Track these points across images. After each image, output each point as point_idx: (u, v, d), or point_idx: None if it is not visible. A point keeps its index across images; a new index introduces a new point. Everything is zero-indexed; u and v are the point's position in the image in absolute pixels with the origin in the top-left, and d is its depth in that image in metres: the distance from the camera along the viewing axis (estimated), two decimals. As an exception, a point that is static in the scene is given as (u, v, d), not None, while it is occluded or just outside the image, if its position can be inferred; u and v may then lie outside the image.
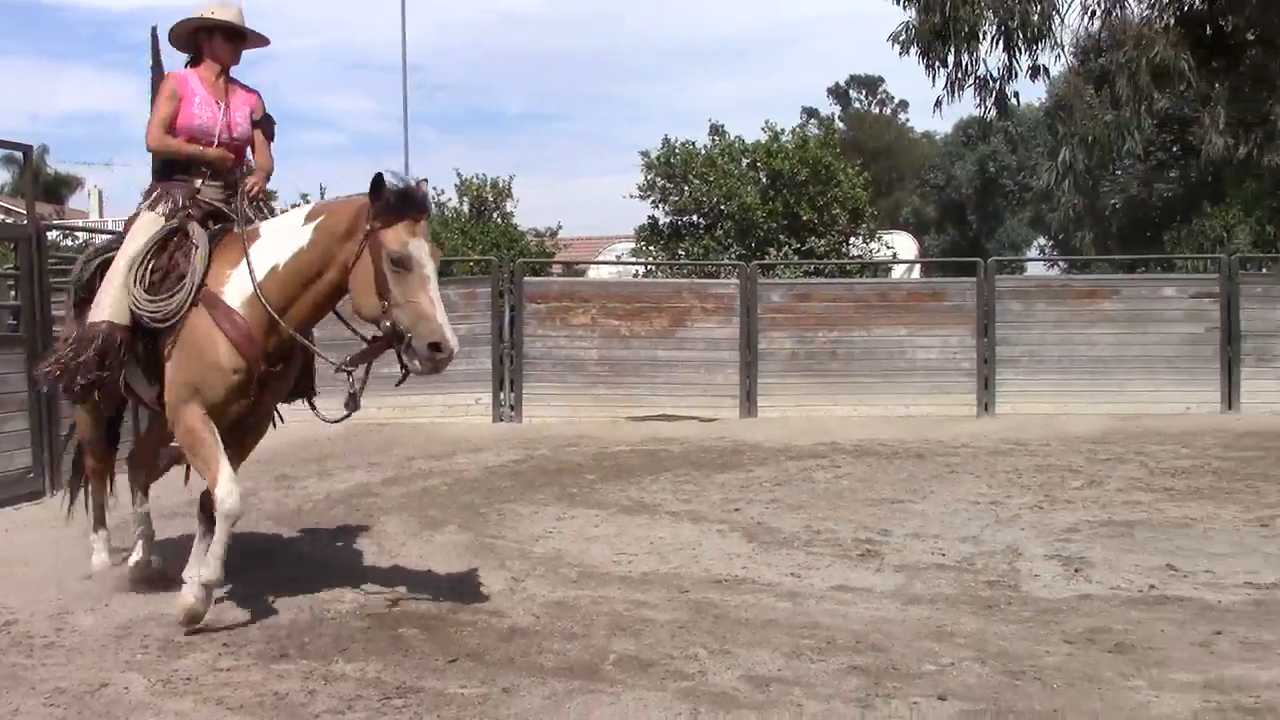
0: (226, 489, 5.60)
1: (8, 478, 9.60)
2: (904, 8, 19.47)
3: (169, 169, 6.35)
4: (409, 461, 11.68)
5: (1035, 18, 18.94)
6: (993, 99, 20.33)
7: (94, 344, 5.85)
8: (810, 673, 5.08)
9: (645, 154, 23.03)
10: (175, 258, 5.94)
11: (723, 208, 22.09)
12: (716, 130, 23.31)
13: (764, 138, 22.76)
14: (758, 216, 21.68)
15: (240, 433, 6.09)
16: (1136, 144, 19.65)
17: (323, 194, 21.37)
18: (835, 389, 15.67)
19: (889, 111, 63.15)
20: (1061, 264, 33.31)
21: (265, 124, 6.51)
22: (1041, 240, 46.44)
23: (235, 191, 6.28)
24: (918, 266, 27.78)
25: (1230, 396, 15.59)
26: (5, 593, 6.39)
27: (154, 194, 6.28)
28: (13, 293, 11.15)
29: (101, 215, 34.57)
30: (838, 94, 62.56)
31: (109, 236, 6.98)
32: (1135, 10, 19.61)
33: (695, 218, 22.91)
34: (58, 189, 44.43)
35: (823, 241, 22.00)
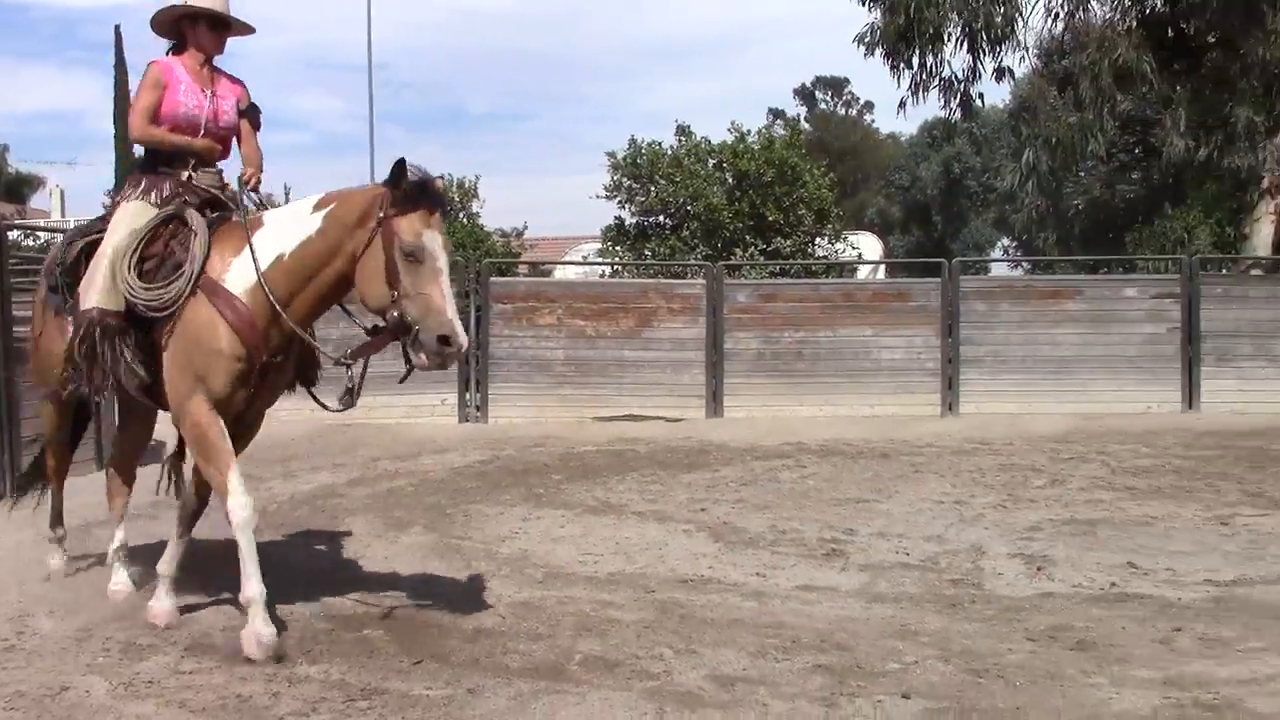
0: (240, 500, 5.38)
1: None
2: (869, 9, 19.58)
3: (153, 160, 6.13)
4: (374, 462, 11.63)
5: (999, 19, 19.06)
6: (957, 100, 20.46)
7: (84, 332, 5.61)
8: (775, 672, 5.09)
9: (611, 154, 23.06)
10: (171, 245, 5.70)
11: (689, 208, 22.13)
12: (683, 131, 23.37)
13: (730, 138, 22.83)
14: (724, 217, 21.73)
15: (238, 429, 5.85)
16: (1099, 146, 19.82)
17: (287, 194, 21.29)
18: (801, 389, 15.72)
19: (854, 112, 63.41)
20: (1025, 265, 33.55)
21: (251, 113, 6.27)
22: (1005, 241, 46.79)
23: (224, 182, 6.14)
24: (883, 267, 27.95)
25: (1191, 396, 15.73)
26: (-36, 596, 6.32)
27: (139, 184, 6.05)
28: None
29: (64, 215, 34.28)
30: (804, 95, 62.80)
31: (89, 220, 6.68)
32: (1098, 13, 19.77)
33: (661, 218, 22.95)
34: (19, 188, 44.08)
35: (788, 242, 22.08)
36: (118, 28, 39.13)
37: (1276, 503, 9.27)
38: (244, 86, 6.31)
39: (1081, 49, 19.29)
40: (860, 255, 25.63)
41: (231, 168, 6.33)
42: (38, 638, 5.61)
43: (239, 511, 5.38)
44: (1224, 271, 19.94)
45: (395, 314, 5.26)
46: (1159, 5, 19.59)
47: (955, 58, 19.84)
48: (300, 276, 5.51)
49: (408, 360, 5.40)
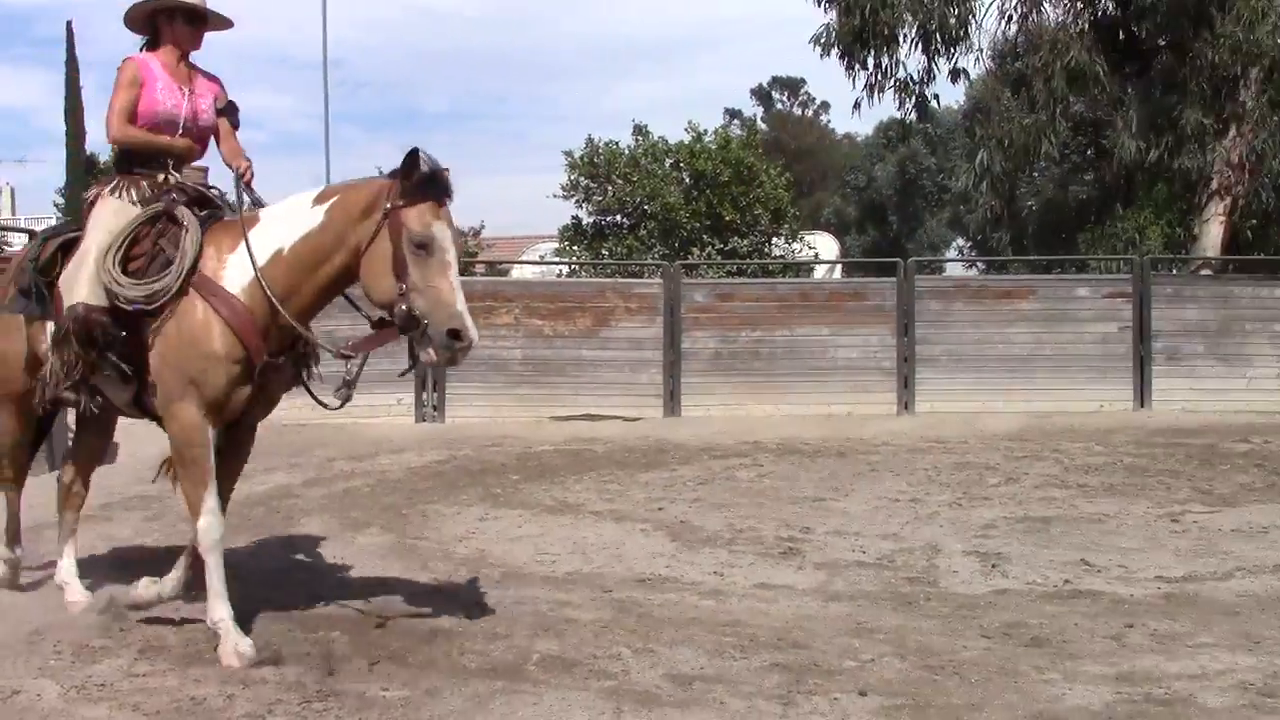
0: (209, 521, 5.25)
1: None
2: (825, 10, 19.66)
3: (128, 161, 5.84)
4: (330, 463, 11.56)
5: (952, 21, 19.21)
6: (913, 101, 20.59)
7: (72, 330, 5.32)
8: (733, 670, 5.11)
9: (569, 154, 23.04)
10: (160, 243, 5.46)
11: (646, 208, 22.15)
12: (640, 130, 23.38)
13: (687, 138, 22.87)
14: (681, 217, 21.76)
15: (238, 433, 5.69)
16: (1052, 147, 19.98)
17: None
18: (758, 388, 15.76)
19: (811, 113, 63.70)
20: (980, 264, 33.79)
21: (230, 112, 6.01)
22: (960, 241, 47.05)
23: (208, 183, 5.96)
24: (839, 267, 28.06)
25: (1142, 395, 15.91)
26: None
27: (115, 182, 5.78)
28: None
29: (14, 213, 33.79)
30: (760, 95, 63.02)
31: (57, 222, 6.43)
32: (1051, 15, 19.97)
33: (619, 218, 22.96)
34: (-34, 186, 43.38)
35: (745, 242, 22.15)
36: (69, 24, 38.66)
37: (1226, 500, 9.40)
38: (221, 83, 6.06)
39: (1034, 51, 19.47)
40: (817, 255, 25.72)
41: (211, 168, 6.21)
42: (-12, 642, 5.53)
43: (209, 532, 5.27)
44: (1174, 272, 20.17)
45: (403, 307, 5.11)
46: (1110, 8, 19.83)
47: (910, 59, 20.00)
48: (301, 271, 5.32)
49: (413, 355, 5.28)
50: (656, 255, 20.91)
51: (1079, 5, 19.69)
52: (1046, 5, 19.92)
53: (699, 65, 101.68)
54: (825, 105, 62.79)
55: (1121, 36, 19.72)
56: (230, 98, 6.06)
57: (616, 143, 23.14)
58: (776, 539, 8.03)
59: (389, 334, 5.37)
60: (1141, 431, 13.73)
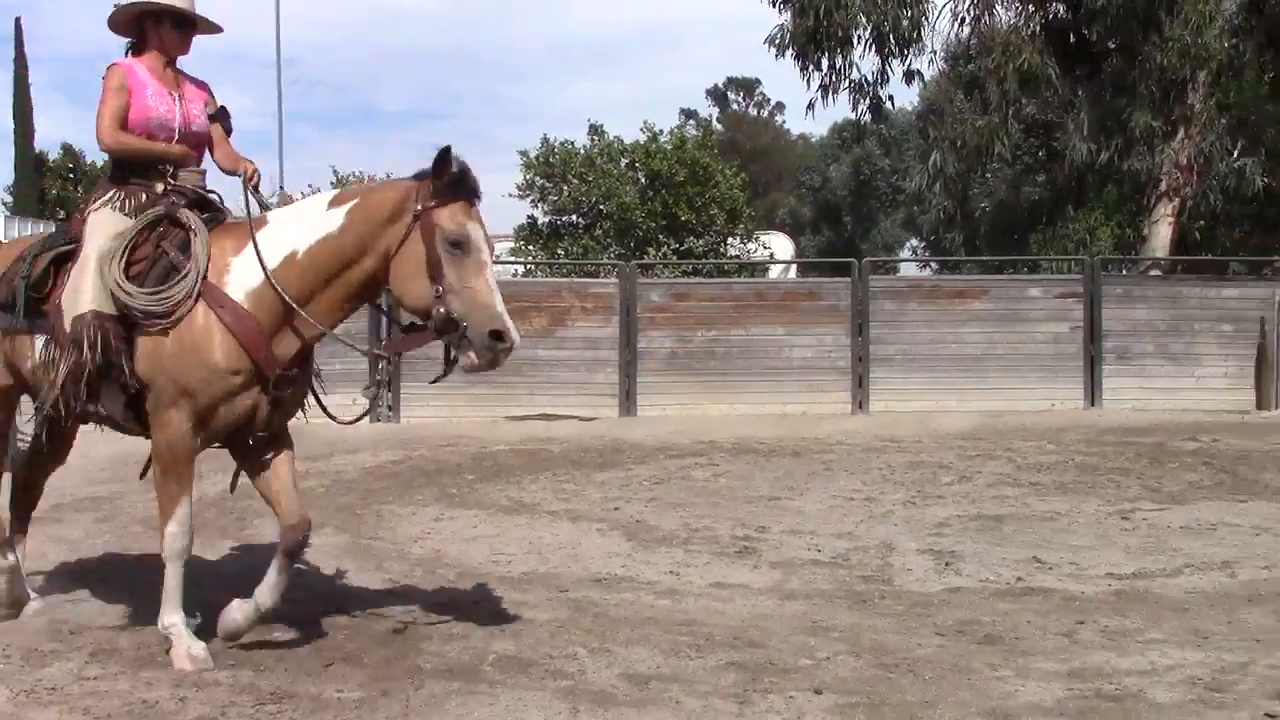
0: (176, 529, 5.16)
1: None
2: (779, 11, 19.76)
3: (123, 171, 5.56)
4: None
5: (905, 23, 19.34)
6: (867, 103, 20.71)
7: (85, 338, 5.07)
8: (688, 669, 5.11)
9: (524, 153, 23.03)
10: (161, 245, 5.23)
11: (602, 207, 22.18)
12: (595, 130, 23.42)
13: (643, 138, 22.93)
14: (636, 216, 21.80)
15: (268, 442, 5.47)
16: (1005, 148, 20.17)
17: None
18: (714, 388, 15.82)
19: (766, 114, 63.93)
20: (933, 265, 34.05)
21: (222, 117, 5.78)
22: (914, 241, 47.39)
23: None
24: (794, 266, 28.18)
25: (1093, 393, 16.10)
26: None
27: (108, 194, 5.51)
28: None
29: (-41, 213, 33.32)
30: (716, 96, 63.21)
31: (50, 231, 6.07)
32: (1003, 18, 20.16)
33: (574, 217, 22.97)
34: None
35: (701, 241, 22.22)
36: (18, 20, 38.11)
37: (1175, 497, 9.51)
38: (209, 89, 5.82)
39: (987, 53, 19.65)
40: (772, 255, 25.82)
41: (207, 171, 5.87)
42: (-66, 646, 5.45)
43: (174, 541, 5.19)
44: (1124, 272, 20.44)
45: (441, 310, 4.95)
46: (1061, 11, 20.03)
47: (864, 60, 20.15)
48: (317, 275, 5.14)
49: (449, 360, 5.12)
50: (612, 255, 20.92)
51: (1030, 8, 19.88)
52: (998, 8, 20.15)
53: (655, 65, 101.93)
54: (780, 106, 63.15)
55: (1072, 39, 19.94)
56: (221, 103, 5.85)
57: (572, 142, 23.18)
58: (732, 538, 8.05)
59: (424, 336, 5.20)
60: (1092, 430, 13.89)
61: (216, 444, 5.44)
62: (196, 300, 5.08)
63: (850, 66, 20.04)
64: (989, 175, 27.53)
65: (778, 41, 19.71)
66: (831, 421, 14.76)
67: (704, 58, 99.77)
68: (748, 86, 63.18)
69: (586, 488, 10.26)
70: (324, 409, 5.73)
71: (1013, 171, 27.18)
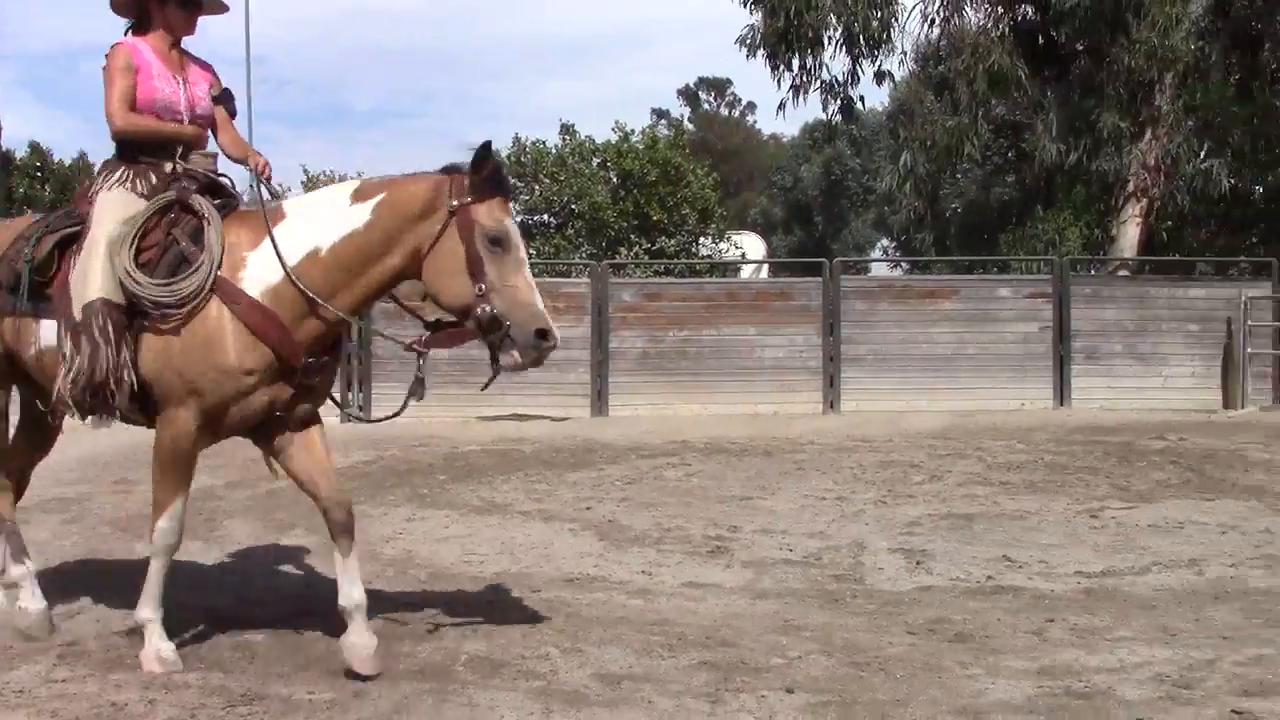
0: (169, 526, 5.04)
1: None
2: (750, 11, 19.80)
3: (134, 149, 5.38)
4: (253, 464, 11.35)
5: (875, 24, 19.42)
6: (838, 103, 20.78)
7: (96, 326, 4.90)
8: (661, 669, 5.11)
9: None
10: (172, 233, 5.06)
11: (573, 207, 22.16)
12: (567, 130, 23.41)
13: (614, 138, 22.92)
14: (608, 216, 21.80)
15: (299, 425, 5.32)
16: (974, 149, 20.28)
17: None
18: (685, 388, 15.84)
19: (737, 113, 64.03)
20: (904, 265, 34.18)
21: (226, 100, 5.61)
22: (885, 241, 47.57)
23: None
24: (765, 267, 28.24)
25: (1062, 393, 16.20)
26: None
27: (118, 171, 5.34)
28: None
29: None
30: (687, 95, 63.24)
31: (55, 214, 5.72)
32: (972, 19, 20.27)
33: (546, 217, 22.94)
34: None
35: (673, 241, 22.24)
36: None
37: (1143, 496, 9.58)
38: (214, 71, 5.64)
39: (956, 54, 19.75)
40: (743, 255, 25.88)
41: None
42: (-100, 649, 5.40)
43: (164, 537, 5.07)
44: (1093, 272, 20.57)
45: (486, 309, 4.85)
46: (1030, 13, 20.15)
47: (835, 61, 20.25)
48: (344, 272, 4.99)
49: (495, 361, 5.03)
50: (584, 255, 20.92)
51: (999, 10, 20.00)
52: (968, 9, 20.25)
53: (626, 65, 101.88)
54: (752, 106, 63.24)
55: (1041, 41, 20.08)
56: (225, 85, 5.68)
57: (544, 142, 23.17)
58: (704, 538, 8.05)
59: (464, 334, 5.11)
60: (1061, 429, 13.97)
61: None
62: (209, 294, 4.93)
63: (821, 67, 20.16)
64: (959, 176, 27.69)
65: (749, 42, 19.77)
66: (803, 421, 14.79)
67: (675, 58, 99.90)
68: (719, 86, 63.30)
69: (558, 488, 10.25)
70: (336, 403, 5.63)
71: (982, 172, 27.34)
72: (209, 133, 5.57)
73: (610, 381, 15.78)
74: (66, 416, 5.39)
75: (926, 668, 5.12)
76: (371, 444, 12.80)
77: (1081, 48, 19.73)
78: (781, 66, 19.92)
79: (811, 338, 16.19)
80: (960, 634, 5.68)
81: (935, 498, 9.62)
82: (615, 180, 22.58)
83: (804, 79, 20.13)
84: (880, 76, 20.48)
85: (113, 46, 5.43)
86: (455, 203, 4.90)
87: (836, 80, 20.39)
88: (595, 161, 22.91)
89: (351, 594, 5.14)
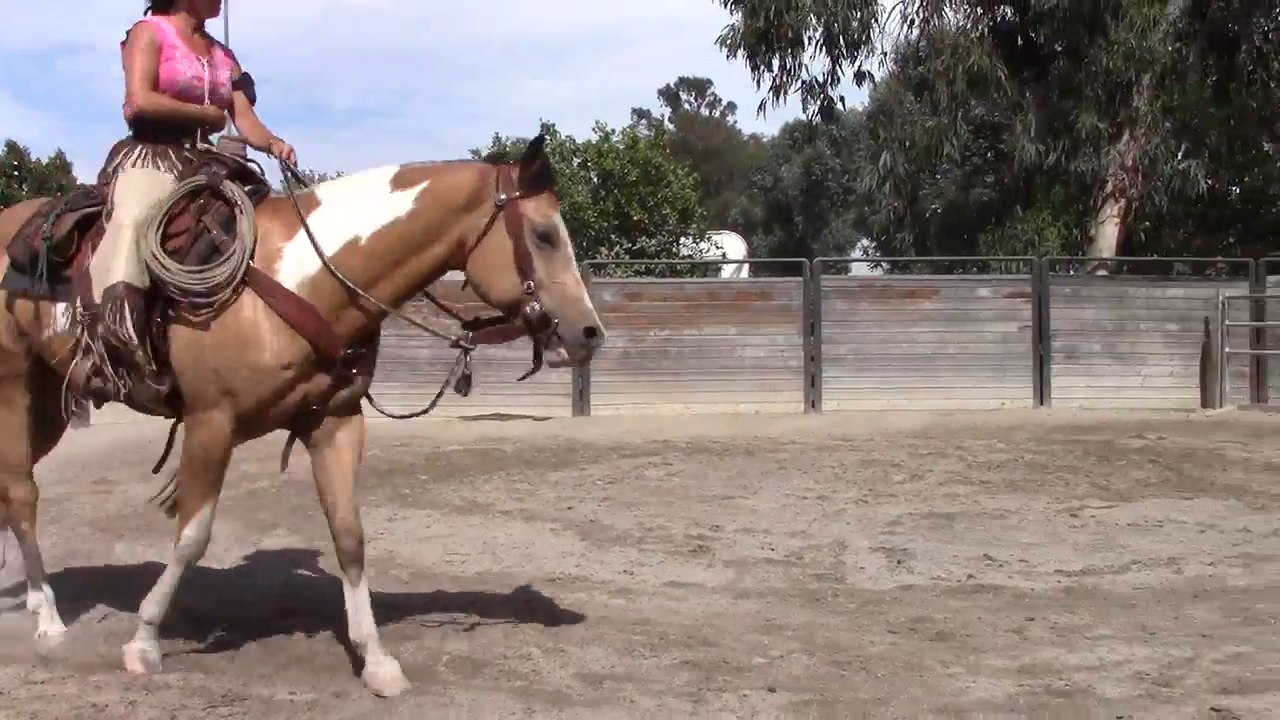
0: (196, 535, 4.94)
1: None
2: (730, 11, 19.81)
3: (154, 129, 5.22)
4: (235, 464, 11.33)
5: (855, 25, 19.45)
6: (818, 103, 20.81)
7: (118, 309, 4.76)
8: (643, 669, 5.11)
9: (476, 152, 22.93)
10: (203, 220, 4.91)
11: (554, 207, 22.12)
12: (547, 130, 23.35)
13: (595, 138, 22.91)
14: (589, 216, 21.79)
15: (336, 425, 5.21)
16: (954, 149, 20.34)
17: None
18: (667, 387, 15.85)
19: (718, 114, 64.04)
20: (884, 265, 34.24)
21: (246, 85, 5.49)
22: (865, 241, 47.64)
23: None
24: (746, 266, 28.28)
25: (1042, 392, 16.26)
26: None
27: (139, 150, 5.19)
28: None
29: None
30: (668, 95, 63.23)
31: (73, 192, 5.56)
32: (952, 20, 20.32)
33: (527, 217, 22.88)
34: None
35: (653, 241, 22.24)
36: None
37: (1123, 495, 9.63)
38: (234, 55, 5.53)
39: (936, 55, 19.79)
40: (724, 255, 25.89)
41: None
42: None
43: (189, 546, 4.98)
44: (1072, 272, 20.66)
45: (535, 306, 4.75)
46: (1009, 14, 20.22)
47: (815, 61, 20.26)
48: (385, 262, 4.86)
49: (538, 358, 4.95)
50: (565, 255, 20.89)
51: (979, 11, 20.07)
52: (947, 10, 20.31)
53: (607, 65, 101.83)
54: (732, 106, 63.28)
55: (1020, 42, 20.14)
56: (245, 70, 5.57)
57: (524, 142, 23.08)
58: (686, 537, 8.06)
59: (513, 330, 4.98)
60: (1041, 429, 14.02)
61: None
62: (241, 286, 4.78)
63: (801, 67, 20.17)
64: (939, 176, 27.76)
65: (729, 42, 19.77)
66: (784, 421, 14.82)
67: (656, 58, 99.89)
68: (699, 86, 63.28)
69: (540, 487, 10.25)
70: (368, 399, 5.46)
71: (962, 172, 27.42)
72: (228, 115, 5.45)
73: (592, 381, 15.76)
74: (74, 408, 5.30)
75: (908, 666, 5.14)
76: (352, 444, 12.74)
77: (1060, 49, 19.81)
78: (762, 67, 19.94)
79: (792, 337, 16.22)
80: (941, 633, 5.70)
81: (916, 497, 9.65)
82: (596, 180, 22.59)
83: (784, 79, 20.15)
84: (860, 77, 20.54)
85: (135, 24, 5.29)
86: (503, 196, 4.80)
87: (816, 80, 20.43)
88: (576, 161, 22.92)
89: (361, 626, 5.00)
